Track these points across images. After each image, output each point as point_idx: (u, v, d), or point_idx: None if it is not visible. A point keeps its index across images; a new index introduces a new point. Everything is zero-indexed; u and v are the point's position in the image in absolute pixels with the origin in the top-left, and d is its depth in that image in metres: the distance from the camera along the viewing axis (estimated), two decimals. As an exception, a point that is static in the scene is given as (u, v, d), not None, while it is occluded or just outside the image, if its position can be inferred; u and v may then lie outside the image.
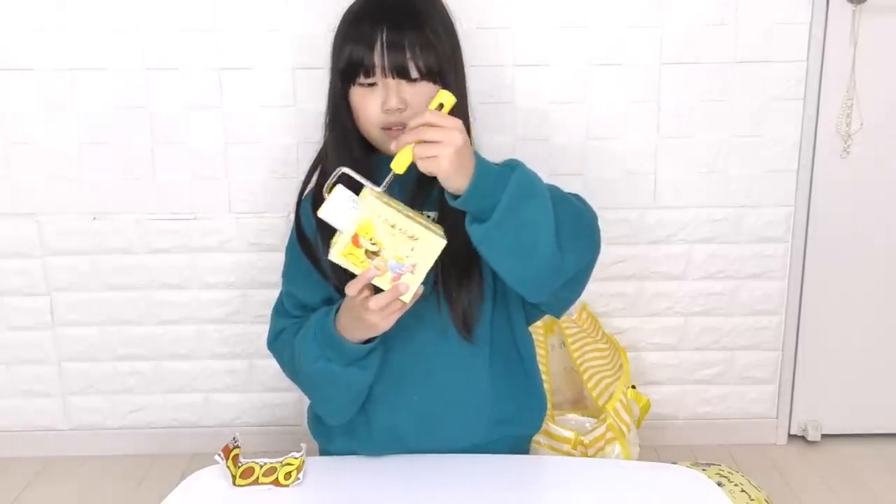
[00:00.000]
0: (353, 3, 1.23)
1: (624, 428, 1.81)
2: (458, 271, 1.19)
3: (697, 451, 2.14)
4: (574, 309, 2.09)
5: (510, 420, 1.27)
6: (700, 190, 2.04)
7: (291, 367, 1.26)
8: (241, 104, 1.97)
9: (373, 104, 1.17)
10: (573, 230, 1.11)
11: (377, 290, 1.05)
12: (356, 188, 1.04)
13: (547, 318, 2.05)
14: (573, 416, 1.90)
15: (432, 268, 1.04)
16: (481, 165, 1.03)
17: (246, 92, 1.96)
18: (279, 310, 1.32)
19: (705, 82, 1.98)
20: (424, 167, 1.00)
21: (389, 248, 1.01)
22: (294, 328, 1.25)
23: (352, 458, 1.23)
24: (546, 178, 1.11)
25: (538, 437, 1.72)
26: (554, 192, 1.11)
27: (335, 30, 1.23)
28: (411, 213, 1.04)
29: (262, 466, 1.14)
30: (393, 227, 1.00)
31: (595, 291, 2.09)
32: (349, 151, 1.22)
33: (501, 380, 1.25)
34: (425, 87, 1.16)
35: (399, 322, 1.12)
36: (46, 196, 2.02)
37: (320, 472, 1.16)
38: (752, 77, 1.97)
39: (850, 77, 1.97)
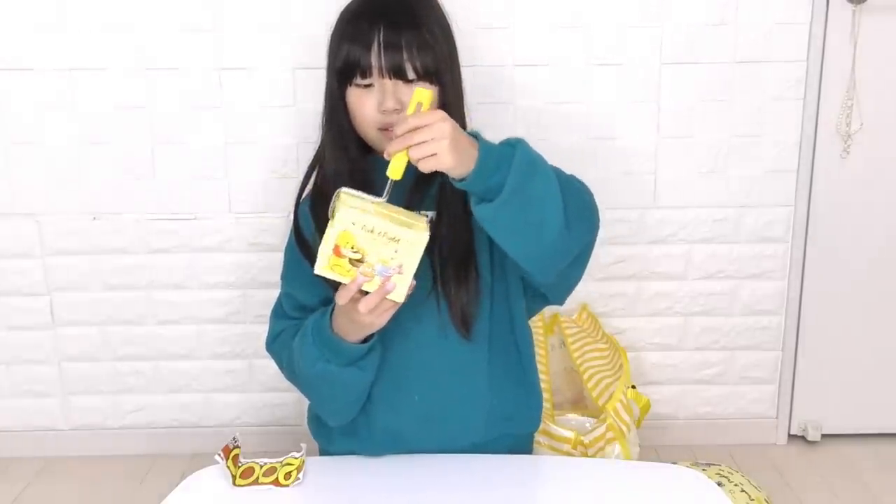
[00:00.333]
0: (351, 3, 1.23)
1: (624, 428, 1.81)
2: (455, 270, 1.18)
3: (697, 451, 2.14)
4: (574, 309, 2.09)
5: (508, 417, 1.27)
6: (700, 190, 2.04)
7: (290, 369, 1.26)
8: (241, 104, 1.97)
9: (369, 105, 1.17)
10: (577, 207, 1.10)
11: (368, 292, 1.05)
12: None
13: (547, 318, 2.06)
14: (573, 416, 1.90)
15: (428, 265, 1.03)
16: (483, 144, 1.02)
17: (246, 92, 1.96)
18: (278, 311, 1.32)
19: (705, 82, 1.98)
20: (427, 167, 1.00)
21: (373, 253, 1.01)
22: (292, 330, 1.25)
23: (352, 458, 1.23)
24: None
25: (538, 438, 1.72)
26: (556, 170, 1.10)
27: (332, 29, 1.23)
28: (391, 210, 1.02)
29: (262, 466, 1.14)
30: (372, 231, 1.00)
31: (595, 291, 2.09)
32: (346, 151, 1.22)
33: (499, 377, 1.25)
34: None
35: (398, 322, 1.12)
36: (46, 196, 2.02)
37: (320, 472, 1.16)
38: (752, 77, 1.97)
39: (850, 77, 1.97)
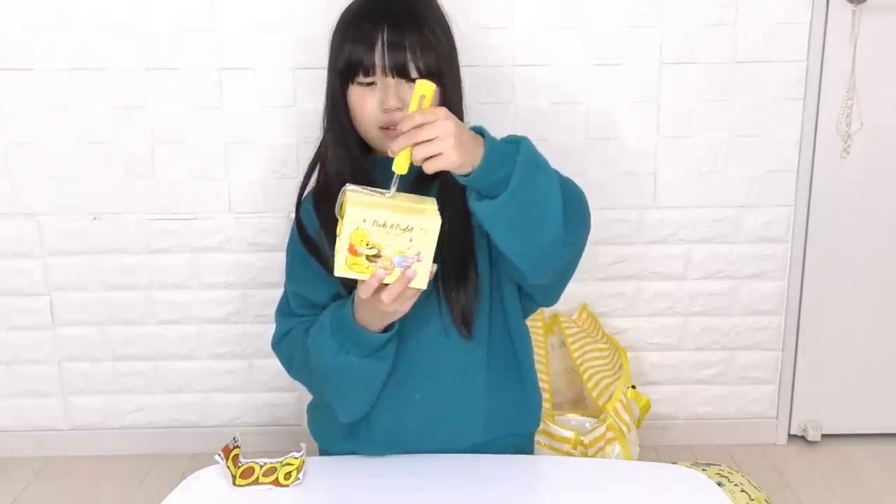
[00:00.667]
0: (352, 3, 1.23)
1: (624, 428, 1.81)
2: (455, 270, 1.19)
3: (697, 451, 2.14)
4: (574, 309, 2.09)
5: (508, 416, 1.27)
6: (700, 190, 2.04)
7: (302, 366, 1.25)
8: (241, 104, 1.97)
9: (371, 103, 1.17)
10: (574, 209, 1.10)
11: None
12: None
13: (547, 318, 2.06)
14: (573, 416, 1.90)
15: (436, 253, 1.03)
16: (490, 140, 1.02)
17: (246, 92, 1.96)
18: (284, 310, 1.31)
19: (705, 82, 1.98)
20: (432, 167, 1.00)
21: (388, 247, 1.01)
22: (302, 327, 1.24)
23: (352, 458, 1.23)
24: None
25: (538, 438, 1.72)
26: (554, 171, 1.10)
27: (333, 29, 1.23)
28: (398, 198, 1.02)
29: (262, 466, 1.14)
30: (384, 226, 0.99)
31: (595, 291, 2.09)
32: (348, 151, 1.22)
33: (498, 376, 1.25)
34: None
35: (401, 323, 1.12)
36: (46, 196, 2.02)
37: (320, 472, 1.16)
38: (751, 77, 1.97)
39: (850, 77, 1.97)
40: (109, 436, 2.17)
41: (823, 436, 2.18)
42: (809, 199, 2.05)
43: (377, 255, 1.01)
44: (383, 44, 1.15)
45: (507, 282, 1.25)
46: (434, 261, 1.03)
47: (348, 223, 0.99)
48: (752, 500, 1.70)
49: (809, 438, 2.18)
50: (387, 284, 1.03)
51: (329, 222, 1.02)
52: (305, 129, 1.95)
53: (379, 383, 1.20)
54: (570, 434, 1.76)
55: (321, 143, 1.27)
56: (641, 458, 1.87)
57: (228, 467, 1.13)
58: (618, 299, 2.11)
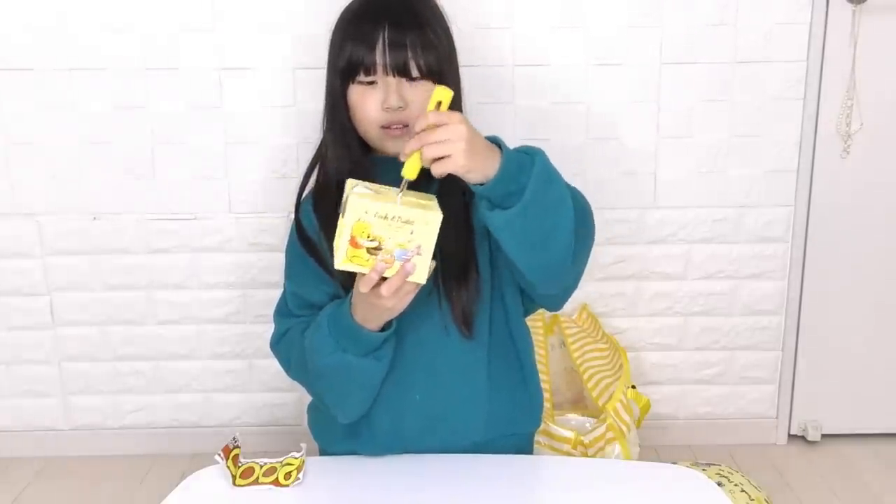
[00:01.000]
0: (352, 2, 1.23)
1: (624, 428, 1.81)
2: (456, 269, 1.19)
3: (697, 451, 2.14)
4: (574, 309, 2.09)
5: (508, 416, 1.27)
6: (700, 190, 2.04)
7: (300, 366, 1.25)
8: (241, 104, 1.97)
9: (372, 102, 1.17)
10: (583, 221, 1.11)
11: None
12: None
13: (547, 318, 2.06)
14: (573, 416, 1.91)
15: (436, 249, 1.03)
16: (506, 151, 1.03)
17: (246, 92, 1.96)
18: (282, 310, 1.31)
19: (705, 82, 1.98)
20: (440, 170, 1.00)
21: (389, 239, 1.01)
22: (300, 327, 1.24)
23: (352, 458, 1.23)
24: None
25: (538, 438, 1.72)
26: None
27: (333, 28, 1.23)
28: (401, 193, 1.02)
29: (262, 466, 1.14)
30: (385, 217, 1.00)
31: (595, 291, 2.09)
32: (348, 150, 1.22)
33: (499, 376, 1.25)
34: (425, 87, 1.16)
35: (401, 322, 1.12)
36: (46, 196, 2.02)
37: (320, 472, 1.16)
38: (751, 77, 1.97)
39: (850, 77, 1.97)
40: (109, 436, 2.17)
41: (823, 436, 2.18)
42: (809, 199, 2.06)
43: (378, 248, 1.01)
44: (384, 43, 1.15)
45: (508, 283, 1.25)
46: (433, 258, 1.03)
47: (351, 213, 0.99)
48: (752, 500, 1.70)
49: (809, 438, 2.18)
50: (386, 279, 1.03)
51: (328, 222, 1.02)
52: (305, 129, 1.95)
53: (376, 384, 1.20)
54: (570, 434, 1.76)
55: (321, 143, 1.27)
56: (641, 458, 1.87)
57: (228, 467, 1.13)
58: (618, 299, 2.11)
